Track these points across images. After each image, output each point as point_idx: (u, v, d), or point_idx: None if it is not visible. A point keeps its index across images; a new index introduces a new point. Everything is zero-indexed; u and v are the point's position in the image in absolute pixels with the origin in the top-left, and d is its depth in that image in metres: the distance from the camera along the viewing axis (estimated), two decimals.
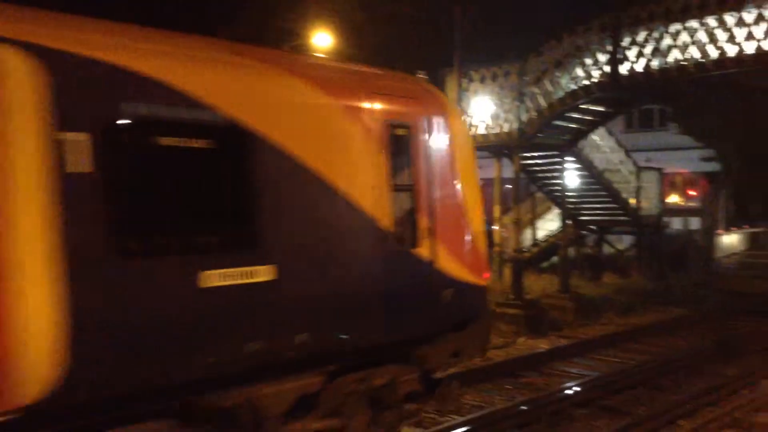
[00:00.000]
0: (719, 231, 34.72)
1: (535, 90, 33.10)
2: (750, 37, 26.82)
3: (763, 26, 26.41)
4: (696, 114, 28.26)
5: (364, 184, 7.17)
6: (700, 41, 28.55)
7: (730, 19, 27.54)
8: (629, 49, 30.67)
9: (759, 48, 26.89)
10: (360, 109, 7.25)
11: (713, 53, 28.41)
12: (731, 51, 27.79)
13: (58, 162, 4.94)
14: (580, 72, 32.85)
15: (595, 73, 32.31)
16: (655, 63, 30.12)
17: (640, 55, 30.45)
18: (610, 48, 31.05)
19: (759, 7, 26.16)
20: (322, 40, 24.68)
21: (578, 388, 11.04)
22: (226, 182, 6.26)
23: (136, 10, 18.47)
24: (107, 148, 5.23)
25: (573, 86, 32.80)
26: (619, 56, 30.97)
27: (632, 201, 29.08)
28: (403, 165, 7.64)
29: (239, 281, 5.98)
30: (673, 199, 40.95)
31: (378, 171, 7.34)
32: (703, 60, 28.93)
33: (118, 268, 5.28)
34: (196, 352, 5.74)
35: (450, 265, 8.01)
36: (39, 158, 4.83)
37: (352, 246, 7.08)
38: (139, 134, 5.59)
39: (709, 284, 25.61)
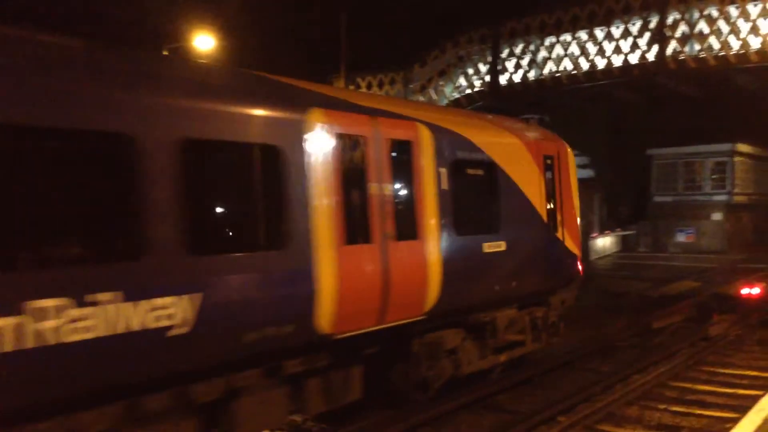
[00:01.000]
0: (594, 234, 36.66)
1: (420, 98, 33.78)
2: (618, 50, 28.64)
3: (629, 40, 28.25)
4: (571, 123, 29.71)
5: (536, 194, 11.72)
6: (572, 54, 30.16)
7: (600, 33, 29.30)
8: (508, 60, 31.98)
9: (626, 61, 28.76)
10: (532, 147, 11.82)
11: (585, 65, 30.13)
12: (601, 64, 29.57)
13: (438, 183, 9.42)
14: (462, 81, 33.90)
15: (477, 83, 33.46)
16: (531, 74, 31.57)
17: (518, 66, 31.82)
18: (490, 59, 32.28)
19: (626, 22, 27.99)
20: (203, 42, 23.99)
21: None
22: (489, 193, 10.78)
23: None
24: (452, 176, 9.69)
25: (456, 95, 33.79)
26: (498, 67, 32.24)
27: None
28: (548, 181, 12.21)
29: (494, 250, 10.47)
30: None
31: (540, 185, 11.87)
32: (575, 72, 30.62)
33: (457, 241, 9.65)
34: (480, 289, 10.32)
35: (569, 243, 12.68)
36: (434, 180, 9.37)
37: (534, 231, 11.66)
38: (463, 167, 10.16)
39: (583, 285, 26.87)
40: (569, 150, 13.24)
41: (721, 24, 25.29)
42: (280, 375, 7.62)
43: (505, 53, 31.19)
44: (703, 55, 25.77)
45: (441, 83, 33.31)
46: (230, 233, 7.44)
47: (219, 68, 10.46)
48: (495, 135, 11.28)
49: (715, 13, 25.47)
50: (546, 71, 30.03)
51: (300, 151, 7.47)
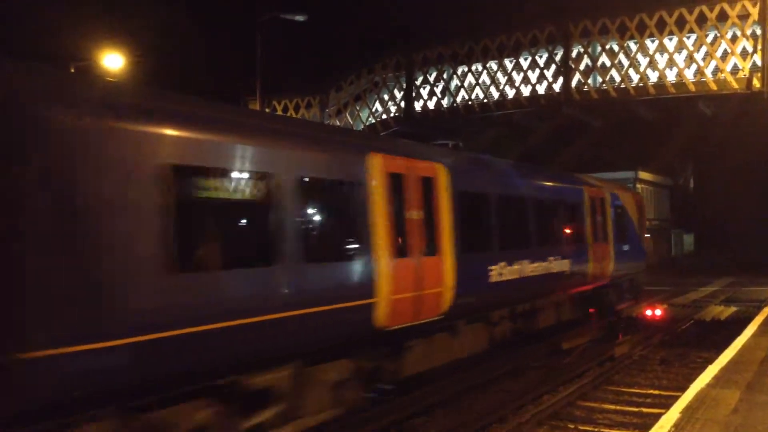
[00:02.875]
0: None
1: (336, 122, 33.89)
2: (526, 81, 29.71)
3: (537, 72, 29.34)
4: (485, 151, 30.52)
5: (628, 226, 20.28)
6: (484, 83, 31.07)
7: (509, 64, 30.34)
8: (423, 87, 32.59)
9: (534, 91, 29.85)
10: (614, 197, 19.26)
11: (495, 95, 31.08)
12: (510, 93, 30.57)
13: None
14: (378, 107, 34.28)
15: (392, 108, 33.92)
16: (444, 101, 32.28)
17: (432, 93, 32.47)
18: (405, 85, 32.80)
19: (533, 54, 29.09)
20: (112, 61, 23.25)
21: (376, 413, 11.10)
22: (624, 222, 20.28)
23: None
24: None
25: (372, 120, 34.11)
26: (413, 93, 32.80)
27: None
28: (627, 215, 20.23)
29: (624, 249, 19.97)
30: None
31: (627, 219, 20.43)
32: (486, 101, 31.52)
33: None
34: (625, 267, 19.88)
35: (643, 246, 21.76)
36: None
37: (631, 246, 20.39)
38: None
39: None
40: (639, 195, 24.76)
41: (622, 58, 26.67)
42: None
43: (419, 80, 31.77)
44: (605, 87, 27.05)
45: (357, 108, 33.54)
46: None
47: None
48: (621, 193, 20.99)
49: (615, 47, 26.84)
50: (459, 99, 30.75)
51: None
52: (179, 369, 6.86)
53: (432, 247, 10.95)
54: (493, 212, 13.04)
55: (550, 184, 16.58)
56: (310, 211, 8.84)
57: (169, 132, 6.90)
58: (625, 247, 19.73)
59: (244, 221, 8.12)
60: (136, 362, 6.31)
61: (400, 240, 10.21)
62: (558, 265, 15.42)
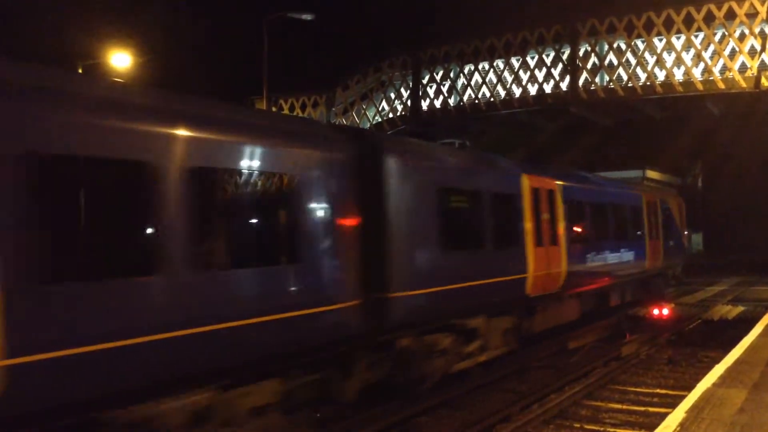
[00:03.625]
0: None
1: (343, 121, 33.91)
2: (533, 79, 29.62)
3: (544, 70, 29.27)
4: (491, 149, 30.48)
5: (672, 226, 23.84)
6: (490, 81, 31.00)
7: (516, 62, 30.27)
8: (429, 86, 32.55)
9: (540, 90, 29.77)
10: (662, 201, 22.88)
11: (502, 93, 31.02)
12: (517, 92, 30.50)
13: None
14: (385, 105, 34.24)
15: (399, 107, 33.91)
16: (451, 100, 32.23)
17: (438, 92, 32.42)
18: (411, 84, 32.77)
19: (540, 53, 29.03)
20: (119, 60, 23.32)
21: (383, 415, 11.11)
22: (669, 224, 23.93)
23: None
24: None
25: (379, 119, 34.10)
26: (420, 92, 32.78)
27: None
28: (672, 216, 23.72)
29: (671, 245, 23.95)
30: None
31: (672, 219, 23.85)
32: (493, 99, 31.46)
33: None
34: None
35: (683, 243, 25.72)
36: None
37: (675, 242, 24.11)
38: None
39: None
40: (680, 197, 26.71)
41: (629, 56, 26.56)
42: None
43: (426, 79, 31.74)
44: (612, 85, 26.95)
45: (364, 107, 33.55)
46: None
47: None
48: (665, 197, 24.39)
49: (623, 45, 26.73)
50: (465, 98, 30.71)
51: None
52: (443, 310, 11.28)
53: (554, 239, 15.08)
54: (587, 214, 17.15)
55: (620, 191, 20.58)
56: (499, 214, 13.16)
57: (437, 165, 11.94)
58: (671, 243, 23.72)
59: (473, 223, 12.47)
60: (433, 302, 10.79)
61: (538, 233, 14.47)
62: (627, 255, 19.47)
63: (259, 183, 8.11)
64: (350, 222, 9.37)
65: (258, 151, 8.10)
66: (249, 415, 8.16)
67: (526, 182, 14.15)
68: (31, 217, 5.80)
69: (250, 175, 7.96)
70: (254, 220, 8.28)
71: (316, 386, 9.39)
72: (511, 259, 13.38)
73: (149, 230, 6.84)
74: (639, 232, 20.69)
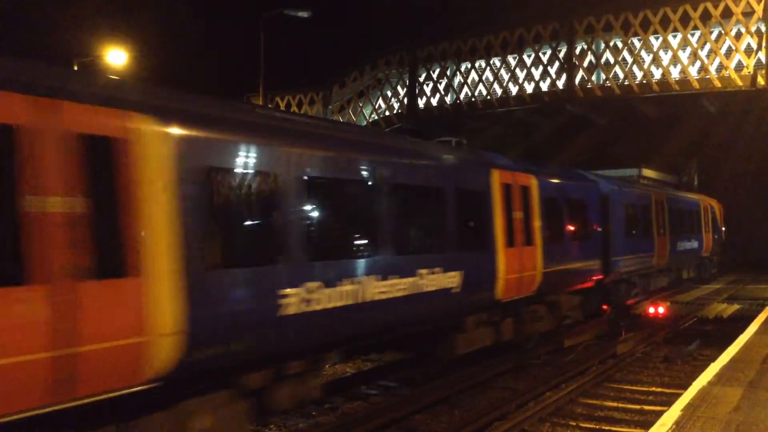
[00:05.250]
0: None
1: (339, 118, 33.87)
2: (530, 77, 29.64)
3: (540, 68, 29.29)
4: (488, 147, 30.52)
5: (715, 224, 33.73)
6: (487, 79, 31.01)
7: (512, 60, 30.26)
8: (426, 83, 32.56)
9: (537, 88, 29.78)
10: (705, 207, 31.57)
11: (499, 91, 31.02)
12: (514, 90, 30.51)
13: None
14: (381, 103, 34.23)
15: (395, 105, 33.88)
16: (448, 98, 32.22)
17: (435, 89, 32.42)
18: (408, 82, 32.76)
19: (537, 51, 29.03)
20: (116, 57, 23.26)
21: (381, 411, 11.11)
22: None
23: None
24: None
25: (375, 116, 34.08)
26: (416, 90, 32.77)
27: None
28: (716, 217, 34.02)
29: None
30: None
31: (708, 219, 32.25)
32: (489, 97, 31.47)
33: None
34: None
35: (722, 237, 35.77)
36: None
37: (717, 236, 33.86)
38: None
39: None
40: (719, 204, 34.84)
41: (626, 54, 26.59)
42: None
43: (422, 77, 31.72)
44: (608, 84, 26.98)
45: (360, 104, 33.53)
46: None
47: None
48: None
49: (619, 44, 26.76)
50: (462, 96, 30.70)
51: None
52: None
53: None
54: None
55: (687, 197, 30.78)
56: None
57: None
58: (715, 236, 33.02)
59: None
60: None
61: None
62: (689, 245, 28.16)
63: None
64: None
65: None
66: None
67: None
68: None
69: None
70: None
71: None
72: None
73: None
74: (697, 228, 30.04)
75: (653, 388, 12.60)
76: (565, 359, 14.91)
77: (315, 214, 8.65)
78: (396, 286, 9.75)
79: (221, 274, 7.23)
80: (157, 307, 6.44)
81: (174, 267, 6.63)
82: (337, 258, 8.86)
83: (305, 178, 8.31)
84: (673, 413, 7.93)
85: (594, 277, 17.46)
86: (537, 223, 14.14)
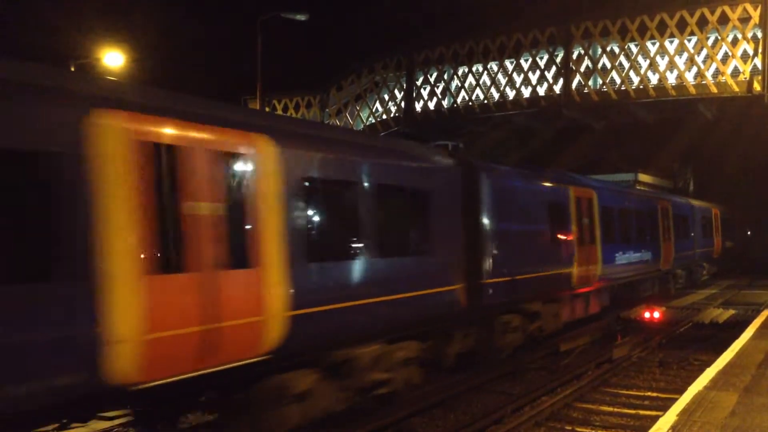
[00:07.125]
0: None
1: (336, 122, 33.85)
2: (527, 82, 29.67)
3: (537, 73, 29.30)
4: (486, 152, 30.49)
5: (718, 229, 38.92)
6: (484, 84, 31.01)
7: (509, 64, 30.27)
8: (423, 87, 32.53)
9: (534, 92, 29.78)
10: (715, 214, 37.88)
11: (496, 96, 31.02)
12: (511, 94, 30.51)
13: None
14: (379, 106, 34.22)
15: (393, 108, 33.86)
16: (445, 102, 32.21)
17: (432, 93, 32.40)
18: (405, 85, 32.73)
19: (534, 55, 29.03)
20: (112, 59, 23.23)
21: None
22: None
23: None
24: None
25: (372, 120, 34.05)
26: (413, 94, 32.74)
27: None
28: (719, 222, 39.04)
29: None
30: None
31: (717, 226, 38.20)
32: (487, 102, 31.46)
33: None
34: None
35: (719, 241, 38.48)
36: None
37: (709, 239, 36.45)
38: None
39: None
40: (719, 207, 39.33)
41: (623, 59, 26.64)
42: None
43: (420, 80, 31.74)
44: (605, 89, 27.03)
45: (358, 108, 33.53)
46: None
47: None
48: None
49: (616, 49, 26.81)
50: (459, 100, 30.73)
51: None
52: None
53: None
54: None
55: (703, 206, 35.45)
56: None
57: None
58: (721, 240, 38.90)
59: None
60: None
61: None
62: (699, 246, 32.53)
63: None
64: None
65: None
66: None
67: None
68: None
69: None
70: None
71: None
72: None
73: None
74: (710, 232, 35.94)
75: (649, 393, 12.61)
76: (561, 363, 14.92)
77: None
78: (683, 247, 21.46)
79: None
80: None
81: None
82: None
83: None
84: (668, 418, 7.94)
85: (652, 270, 24.72)
86: (719, 228, 24.56)
